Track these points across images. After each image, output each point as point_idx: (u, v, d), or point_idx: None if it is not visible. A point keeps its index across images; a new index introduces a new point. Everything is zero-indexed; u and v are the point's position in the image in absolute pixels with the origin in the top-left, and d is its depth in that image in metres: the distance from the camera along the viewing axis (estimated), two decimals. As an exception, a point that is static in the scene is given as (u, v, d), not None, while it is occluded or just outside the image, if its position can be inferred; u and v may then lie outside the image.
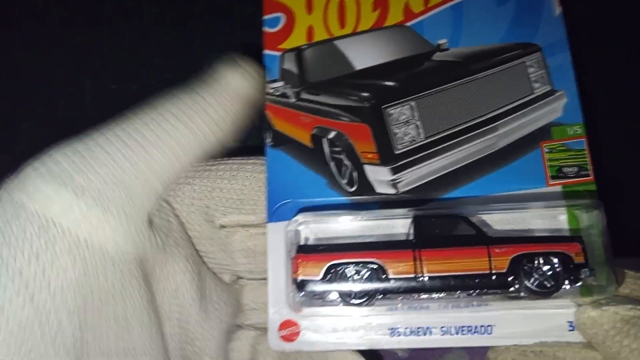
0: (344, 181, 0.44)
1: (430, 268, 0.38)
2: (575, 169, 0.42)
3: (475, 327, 0.40)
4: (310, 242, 0.42)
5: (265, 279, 0.47)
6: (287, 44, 0.48)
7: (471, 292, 0.38)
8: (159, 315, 0.41)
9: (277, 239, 0.42)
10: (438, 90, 0.44)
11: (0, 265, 0.33)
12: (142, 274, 0.39)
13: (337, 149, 0.45)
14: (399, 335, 0.40)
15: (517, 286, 0.38)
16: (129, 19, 0.66)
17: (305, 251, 0.40)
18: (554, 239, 0.39)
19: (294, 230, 0.41)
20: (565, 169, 0.42)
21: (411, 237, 0.40)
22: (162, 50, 0.65)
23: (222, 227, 0.47)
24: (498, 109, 0.45)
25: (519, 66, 0.46)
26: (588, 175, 0.42)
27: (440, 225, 0.39)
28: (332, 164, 0.45)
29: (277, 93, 0.48)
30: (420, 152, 0.43)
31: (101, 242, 0.35)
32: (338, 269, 0.39)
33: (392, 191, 0.43)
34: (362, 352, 0.50)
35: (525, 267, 0.38)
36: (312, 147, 0.47)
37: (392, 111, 0.43)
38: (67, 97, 0.63)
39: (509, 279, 0.38)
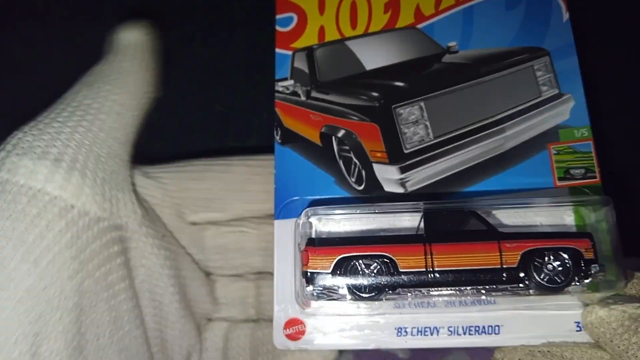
0: (353, 179, 0.44)
1: (441, 262, 0.38)
2: (582, 170, 0.42)
3: (483, 327, 0.40)
4: (321, 235, 0.42)
5: (236, 275, 0.50)
6: (299, 44, 0.48)
7: (481, 287, 0.38)
8: (136, 291, 0.43)
9: (284, 236, 0.42)
10: (447, 92, 0.45)
11: (0, 237, 0.34)
12: (122, 246, 0.41)
13: (346, 147, 0.45)
14: (406, 334, 0.40)
15: (527, 281, 0.38)
16: (128, 18, 0.66)
17: (315, 244, 0.40)
18: (564, 234, 0.39)
19: (304, 223, 0.41)
20: (572, 171, 0.42)
21: (421, 232, 0.40)
22: (162, 50, 0.65)
23: (193, 223, 0.48)
24: (506, 111, 0.45)
25: (527, 69, 0.46)
26: (595, 177, 0.42)
27: (451, 220, 0.39)
28: (340, 163, 0.45)
29: (288, 91, 0.48)
30: (428, 151, 0.44)
31: (85, 206, 0.38)
32: (348, 262, 0.39)
33: (400, 190, 0.43)
34: (363, 353, 0.50)
35: (536, 263, 0.38)
36: (321, 146, 0.47)
37: (401, 111, 0.44)
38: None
39: (520, 274, 0.38)
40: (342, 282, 0.39)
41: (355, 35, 0.49)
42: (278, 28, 0.49)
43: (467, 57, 0.47)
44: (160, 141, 0.57)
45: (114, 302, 0.40)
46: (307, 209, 0.41)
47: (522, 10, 0.47)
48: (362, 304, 0.40)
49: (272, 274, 0.48)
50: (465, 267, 0.38)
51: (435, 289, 0.38)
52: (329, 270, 0.39)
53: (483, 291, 0.38)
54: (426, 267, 0.38)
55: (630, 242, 0.39)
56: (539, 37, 0.46)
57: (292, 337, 0.41)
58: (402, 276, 0.38)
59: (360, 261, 0.39)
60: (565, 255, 0.38)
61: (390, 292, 0.38)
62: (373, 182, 0.43)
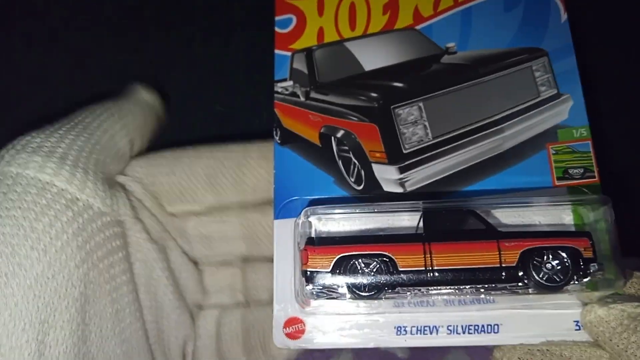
0: (352, 179, 0.44)
1: (441, 261, 0.38)
2: (581, 170, 0.42)
3: (482, 326, 0.40)
4: (320, 234, 0.42)
5: (222, 263, 0.51)
6: (298, 45, 0.49)
7: (480, 286, 0.38)
8: (136, 284, 0.45)
9: (284, 236, 0.42)
10: (446, 92, 0.45)
11: (12, 225, 0.37)
12: (123, 241, 0.43)
13: (345, 147, 0.45)
14: (405, 333, 0.40)
15: (526, 280, 0.38)
16: (129, 19, 0.66)
17: (314, 243, 0.40)
18: (563, 233, 0.39)
19: (304, 222, 0.41)
20: (571, 171, 0.42)
21: (420, 231, 0.40)
22: (162, 50, 0.65)
23: (173, 215, 0.50)
24: (505, 111, 0.45)
25: (525, 70, 0.47)
26: (593, 177, 0.42)
27: (450, 219, 0.40)
28: (340, 163, 0.45)
29: (287, 92, 0.48)
30: (427, 152, 0.44)
31: (89, 200, 0.41)
32: (348, 261, 0.39)
33: (399, 190, 0.43)
34: (362, 352, 0.50)
35: (535, 262, 0.38)
36: (320, 146, 0.47)
37: (400, 111, 0.44)
38: (67, 97, 0.63)
39: (519, 273, 0.38)
40: (341, 281, 0.39)
41: (354, 36, 0.49)
42: (277, 29, 0.49)
43: (466, 58, 0.47)
44: (161, 141, 0.57)
45: (116, 294, 0.42)
46: (306, 209, 0.41)
47: (521, 11, 0.47)
48: (361, 303, 0.40)
49: (257, 258, 0.51)
50: (465, 266, 0.38)
51: (435, 288, 0.38)
52: (329, 270, 0.39)
53: (482, 290, 0.38)
54: (425, 266, 0.38)
55: (629, 242, 0.39)
56: (537, 37, 0.47)
57: (292, 336, 0.41)
58: (402, 275, 0.38)
59: (360, 260, 0.39)
60: (564, 254, 0.38)
61: (389, 291, 0.38)
62: (372, 182, 0.44)
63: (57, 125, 0.44)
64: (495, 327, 0.40)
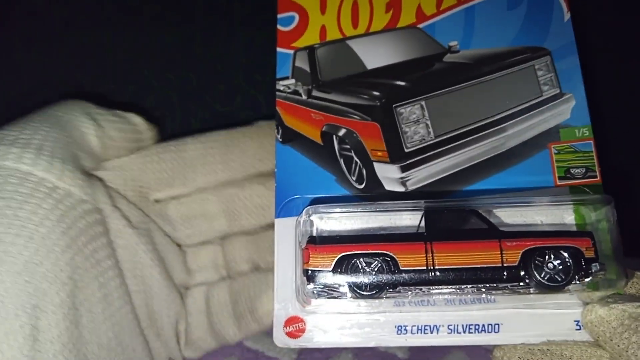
0: (353, 178, 0.44)
1: (442, 261, 0.38)
2: (583, 170, 0.42)
3: (483, 325, 0.40)
4: (322, 233, 0.42)
5: (202, 242, 0.53)
6: (300, 43, 0.48)
7: (482, 285, 0.38)
8: (121, 269, 0.45)
9: (284, 234, 0.42)
10: (448, 91, 0.45)
11: None
12: (104, 227, 0.44)
13: (347, 146, 0.45)
14: (406, 333, 0.40)
15: (528, 280, 0.38)
16: (129, 19, 0.66)
17: (316, 242, 0.40)
18: (565, 233, 0.39)
19: (305, 221, 0.41)
20: (573, 170, 0.42)
21: (422, 230, 0.40)
22: (162, 50, 0.65)
23: (157, 201, 0.51)
24: (507, 110, 0.45)
25: (528, 69, 0.47)
26: (595, 177, 0.42)
27: (451, 219, 0.40)
28: (341, 161, 0.45)
29: (289, 90, 0.48)
30: (429, 150, 0.44)
31: (69, 188, 0.41)
32: (349, 260, 0.39)
33: (401, 189, 0.43)
34: (362, 353, 0.50)
35: (537, 261, 0.38)
36: (322, 144, 0.47)
37: (402, 110, 0.44)
38: (67, 97, 0.63)
39: (520, 272, 0.38)
40: (342, 280, 0.39)
41: (356, 34, 0.49)
42: (279, 27, 0.49)
43: (468, 57, 0.47)
44: (161, 141, 0.57)
45: (103, 279, 0.42)
46: (308, 207, 0.41)
47: (523, 10, 0.47)
48: (362, 302, 0.40)
49: (236, 233, 0.52)
50: (466, 266, 0.38)
51: (436, 287, 0.38)
52: (330, 268, 0.39)
53: (483, 290, 0.38)
54: (427, 265, 0.38)
55: (631, 242, 0.39)
56: (540, 36, 0.46)
57: (292, 335, 0.41)
58: (403, 274, 0.38)
59: (361, 259, 0.39)
60: (566, 254, 0.38)
61: (390, 290, 0.39)
62: (374, 181, 0.44)
63: (30, 118, 0.44)
64: (496, 326, 0.40)
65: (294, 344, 0.41)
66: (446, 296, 0.39)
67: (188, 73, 0.64)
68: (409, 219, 0.42)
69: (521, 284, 0.38)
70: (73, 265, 0.39)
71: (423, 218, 0.40)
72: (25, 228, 0.37)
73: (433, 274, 0.38)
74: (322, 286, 0.39)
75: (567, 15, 0.47)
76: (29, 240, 0.37)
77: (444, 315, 0.40)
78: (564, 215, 0.41)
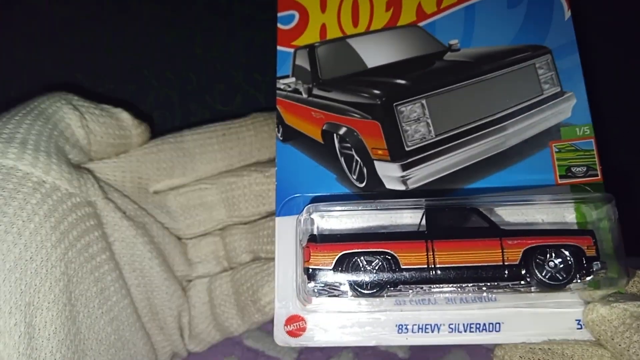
0: (354, 177, 0.44)
1: (443, 259, 0.38)
2: (584, 168, 0.42)
3: (484, 324, 0.40)
4: (322, 232, 0.42)
5: (202, 234, 0.53)
6: (300, 41, 0.48)
7: (483, 284, 0.38)
8: (118, 263, 0.45)
9: (285, 233, 0.42)
10: (449, 89, 0.45)
11: None
12: (98, 221, 0.43)
13: (347, 144, 0.45)
14: (407, 331, 0.40)
15: (529, 279, 0.38)
16: (129, 19, 0.66)
17: (317, 240, 0.40)
18: (566, 232, 0.39)
19: (306, 219, 0.41)
20: (574, 169, 0.42)
21: (423, 229, 0.40)
22: (162, 50, 0.65)
23: (156, 192, 0.51)
24: (508, 109, 0.45)
25: (529, 67, 0.46)
26: (596, 175, 0.42)
27: (452, 217, 0.39)
28: (342, 160, 0.45)
29: (289, 89, 0.48)
30: (430, 149, 0.44)
31: (56, 181, 0.40)
32: (350, 258, 0.39)
33: (401, 187, 0.43)
34: (362, 352, 0.50)
35: (538, 260, 0.38)
36: (322, 143, 0.47)
37: (403, 108, 0.44)
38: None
39: (521, 271, 0.38)
40: (343, 279, 0.39)
41: (357, 33, 0.49)
42: (279, 26, 0.49)
43: (469, 55, 0.47)
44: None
45: (98, 273, 0.42)
46: (309, 206, 0.41)
47: (524, 9, 0.47)
48: (362, 301, 0.40)
49: (235, 222, 0.53)
50: (467, 264, 0.38)
51: (437, 285, 0.38)
52: (331, 267, 0.39)
53: (484, 288, 0.38)
54: (428, 264, 0.38)
55: (632, 240, 0.39)
56: (540, 35, 0.46)
57: (293, 334, 0.41)
58: (404, 273, 0.38)
59: (362, 258, 0.39)
60: (567, 253, 0.38)
61: (391, 288, 0.38)
62: (374, 180, 0.43)
63: (13, 112, 0.43)
64: (497, 325, 0.40)
65: (295, 342, 0.41)
66: (447, 295, 0.39)
67: (188, 73, 0.64)
68: (410, 217, 0.42)
69: (522, 282, 0.38)
70: (66, 260, 0.39)
71: (424, 216, 0.40)
72: (13, 224, 0.37)
73: (434, 272, 0.38)
74: (322, 285, 0.39)
75: (567, 14, 0.47)
76: (18, 237, 0.36)
77: (444, 314, 0.40)
78: (565, 214, 0.41)
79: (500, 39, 0.47)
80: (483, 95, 0.46)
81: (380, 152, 0.43)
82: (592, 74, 0.45)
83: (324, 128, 0.47)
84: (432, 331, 0.40)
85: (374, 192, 0.43)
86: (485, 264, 0.38)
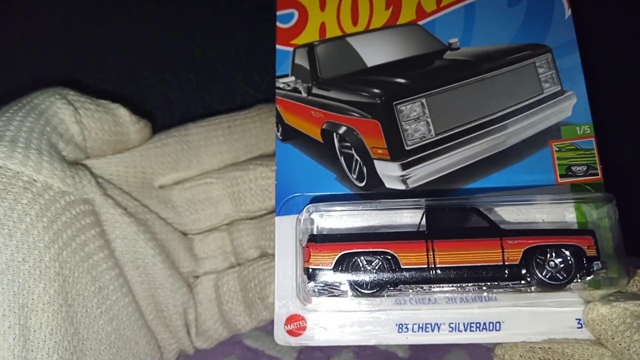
0: (354, 176, 0.44)
1: (443, 259, 0.38)
2: (584, 167, 0.42)
3: (484, 323, 0.40)
4: (322, 231, 0.42)
5: (209, 229, 0.52)
6: (300, 40, 0.48)
7: (483, 284, 0.38)
8: (119, 262, 0.45)
9: (285, 232, 0.42)
10: (448, 88, 0.45)
11: None
12: (95, 218, 0.43)
13: (347, 144, 0.45)
14: (407, 331, 0.40)
15: (529, 278, 0.38)
16: (128, 19, 0.66)
17: (316, 240, 0.40)
18: (566, 231, 0.39)
19: (306, 219, 0.41)
20: (574, 168, 0.42)
21: (423, 228, 0.40)
22: (162, 50, 0.65)
23: (161, 187, 0.51)
24: (508, 108, 0.45)
25: (529, 66, 0.46)
26: (597, 174, 0.42)
27: (452, 217, 0.39)
28: (342, 159, 0.45)
29: (288, 88, 0.48)
30: (430, 148, 0.44)
31: (48, 180, 0.40)
32: (350, 258, 0.39)
33: (401, 187, 0.43)
34: (362, 352, 0.50)
35: (538, 260, 0.38)
36: (322, 142, 0.47)
37: (402, 107, 0.44)
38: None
39: (522, 271, 0.38)
40: (343, 279, 0.39)
41: (356, 31, 0.48)
42: (278, 24, 0.49)
43: (469, 54, 0.47)
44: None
45: (95, 272, 0.41)
46: (308, 205, 0.41)
47: (524, 7, 0.47)
48: (363, 300, 0.40)
49: (241, 217, 0.52)
50: (467, 264, 0.38)
51: (437, 285, 0.38)
52: (331, 267, 0.39)
53: (485, 288, 0.38)
54: (428, 263, 0.38)
55: (633, 240, 0.39)
56: (541, 33, 0.46)
57: (293, 333, 0.41)
58: (404, 273, 0.38)
59: (362, 257, 0.39)
60: (568, 253, 0.38)
61: (391, 288, 0.38)
62: (374, 179, 0.43)
63: (4, 109, 0.42)
64: (497, 324, 0.40)
65: (295, 341, 0.41)
66: (447, 294, 0.39)
67: (188, 73, 0.64)
68: (410, 217, 0.42)
69: (522, 282, 0.38)
70: (60, 260, 0.38)
71: (424, 216, 0.40)
72: (3, 226, 0.36)
73: (434, 272, 0.38)
74: (322, 284, 0.39)
75: (567, 12, 0.46)
76: (9, 238, 0.36)
77: (445, 313, 0.40)
78: (565, 213, 0.41)
79: (500, 38, 0.47)
80: (483, 94, 0.45)
81: (380, 151, 0.43)
82: (592, 72, 0.44)
83: (323, 127, 0.47)
84: (433, 330, 0.40)
85: (373, 192, 0.43)
86: (486, 264, 0.38)
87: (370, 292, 0.38)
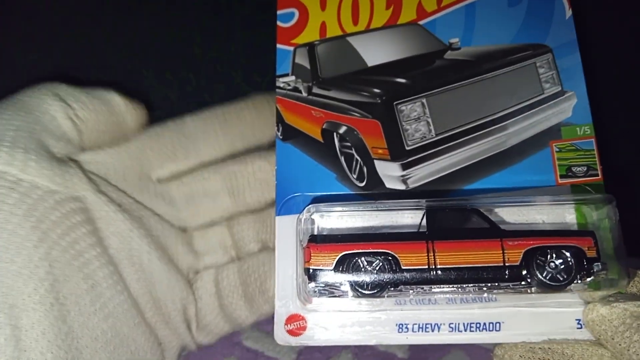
0: (354, 176, 0.44)
1: (444, 260, 0.38)
2: (584, 168, 0.42)
3: (484, 324, 0.40)
4: (323, 232, 0.42)
5: (209, 224, 0.51)
6: (300, 39, 0.48)
7: (483, 285, 0.38)
8: (114, 259, 0.44)
9: (285, 232, 0.42)
10: (449, 88, 0.45)
11: None
12: (86, 216, 0.42)
13: (347, 143, 0.45)
14: (407, 331, 0.40)
15: (529, 279, 0.38)
16: (128, 19, 0.66)
17: (317, 241, 0.40)
18: (566, 232, 0.39)
19: (307, 219, 0.41)
20: (574, 169, 0.42)
21: (423, 229, 0.40)
22: (162, 50, 0.65)
23: (159, 180, 0.50)
24: (508, 108, 0.45)
25: (529, 66, 0.46)
26: (597, 175, 0.42)
27: (453, 218, 0.39)
28: (342, 159, 0.45)
29: (289, 87, 0.48)
30: (430, 148, 0.44)
31: (35, 179, 0.39)
32: (350, 259, 0.39)
33: (402, 187, 0.43)
34: (362, 352, 0.50)
35: (538, 261, 0.38)
36: (322, 142, 0.47)
37: (403, 107, 0.44)
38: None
39: (522, 272, 0.38)
40: (344, 279, 0.39)
41: (357, 31, 0.48)
42: (279, 24, 0.49)
43: (469, 54, 0.47)
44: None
45: (87, 270, 0.41)
46: (309, 206, 0.41)
47: (525, 7, 0.47)
48: (363, 300, 0.40)
49: (241, 212, 0.51)
50: (468, 265, 0.38)
51: (437, 286, 0.38)
52: (331, 267, 0.39)
53: (485, 289, 0.38)
54: (428, 264, 0.38)
55: (633, 241, 0.39)
56: (541, 34, 0.46)
57: (293, 333, 0.41)
58: (405, 273, 0.38)
59: (363, 258, 0.39)
60: (568, 254, 0.38)
61: (392, 289, 0.38)
62: (375, 179, 0.43)
63: None
64: (497, 325, 0.40)
65: (295, 341, 0.41)
66: (447, 295, 0.39)
67: (188, 73, 0.64)
68: (410, 217, 0.42)
69: (523, 283, 0.38)
70: (50, 260, 0.38)
71: (424, 217, 0.40)
72: None
73: (435, 273, 0.38)
74: (323, 285, 0.39)
75: (568, 13, 0.46)
76: None
77: (445, 314, 0.40)
78: (566, 214, 0.41)
79: (500, 38, 0.47)
80: (483, 95, 0.45)
81: (380, 151, 0.43)
82: (592, 73, 0.44)
83: (324, 127, 0.47)
84: (433, 330, 0.40)
85: (374, 192, 0.43)
86: (486, 265, 0.38)
87: (370, 292, 0.38)
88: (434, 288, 0.38)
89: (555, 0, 0.47)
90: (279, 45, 0.48)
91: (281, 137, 0.46)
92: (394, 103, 0.43)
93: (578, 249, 0.38)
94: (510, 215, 0.42)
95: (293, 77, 0.48)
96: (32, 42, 0.64)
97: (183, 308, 0.49)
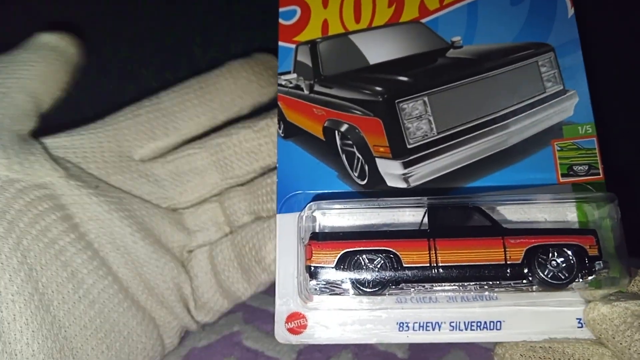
0: (355, 174, 0.44)
1: (445, 258, 0.38)
2: (586, 167, 0.42)
3: (485, 322, 0.40)
4: (324, 229, 0.42)
5: (199, 201, 0.51)
6: (302, 37, 0.48)
7: (485, 283, 0.38)
8: (92, 242, 0.43)
9: (286, 230, 0.42)
10: (451, 87, 0.45)
11: None
12: (55, 203, 0.41)
13: (349, 141, 0.45)
14: (408, 329, 0.40)
15: (531, 278, 0.38)
16: (128, 19, 0.66)
17: (318, 238, 0.39)
18: (568, 231, 0.39)
19: (308, 217, 0.41)
20: (575, 168, 0.42)
21: (425, 227, 0.40)
22: (162, 50, 0.65)
23: (142, 160, 0.49)
24: (510, 106, 0.45)
25: (531, 65, 0.46)
26: (598, 174, 0.42)
27: (454, 216, 0.39)
28: (343, 157, 0.45)
29: (290, 85, 0.48)
30: (432, 147, 0.43)
31: None
32: (352, 256, 0.39)
33: (403, 185, 0.43)
34: (362, 352, 0.50)
35: (540, 259, 0.38)
36: (323, 140, 0.47)
37: (404, 106, 0.44)
38: (66, 97, 0.63)
39: (524, 270, 0.38)
40: (345, 277, 0.38)
41: (359, 29, 0.48)
42: (281, 21, 0.49)
43: (471, 52, 0.47)
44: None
45: (64, 257, 0.40)
46: (310, 203, 0.41)
47: (527, 6, 0.47)
48: (364, 299, 0.40)
49: (230, 185, 0.51)
50: (469, 263, 0.38)
51: (439, 284, 0.38)
52: (333, 265, 0.38)
53: (486, 287, 0.38)
54: (430, 262, 0.38)
55: (634, 239, 0.39)
56: (543, 32, 0.46)
57: (294, 331, 0.41)
58: (406, 271, 0.38)
59: (364, 256, 0.39)
60: (570, 252, 0.38)
61: (393, 287, 0.38)
62: (376, 177, 0.43)
63: None
64: (498, 323, 0.40)
65: (296, 339, 0.41)
66: (449, 293, 0.39)
67: (187, 73, 0.64)
68: (412, 215, 0.42)
69: (524, 281, 0.38)
70: (22, 249, 0.38)
71: (426, 215, 0.40)
72: None
73: (436, 271, 0.38)
74: (324, 283, 0.38)
75: (570, 11, 0.46)
76: None
77: (445, 312, 0.40)
78: (567, 213, 0.41)
79: (503, 36, 0.47)
80: (485, 93, 0.45)
81: (381, 149, 0.43)
82: (594, 72, 0.44)
83: (325, 125, 0.47)
84: (433, 329, 0.40)
85: (375, 190, 0.43)
86: (488, 263, 0.38)
87: (372, 290, 0.38)
88: (435, 286, 0.38)
89: (557, -1, 0.47)
90: (280, 43, 0.48)
91: (283, 135, 0.46)
92: (396, 101, 0.43)
93: (580, 247, 0.38)
94: (512, 213, 0.42)
95: (295, 75, 0.48)
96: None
97: (177, 287, 0.48)
